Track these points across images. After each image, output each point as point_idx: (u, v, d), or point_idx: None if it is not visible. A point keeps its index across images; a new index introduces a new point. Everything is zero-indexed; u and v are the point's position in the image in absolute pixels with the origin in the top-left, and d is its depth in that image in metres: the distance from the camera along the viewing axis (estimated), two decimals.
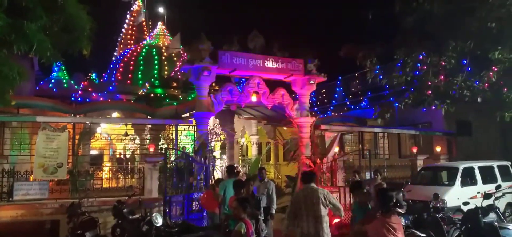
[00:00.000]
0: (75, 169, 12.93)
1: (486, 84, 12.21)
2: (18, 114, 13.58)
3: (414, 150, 17.57)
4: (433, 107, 13.59)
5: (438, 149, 18.01)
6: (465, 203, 9.76)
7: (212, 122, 14.62)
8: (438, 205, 9.51)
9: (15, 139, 13.84)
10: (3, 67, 5.01)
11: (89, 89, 20.68)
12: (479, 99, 12.51)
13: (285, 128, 17.87)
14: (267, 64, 13.57)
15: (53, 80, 21.30)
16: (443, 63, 12.64)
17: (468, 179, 12.42)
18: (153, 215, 7.72)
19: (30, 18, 4.68)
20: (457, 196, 11.54)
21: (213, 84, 14.61)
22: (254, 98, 13.47)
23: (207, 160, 12.12)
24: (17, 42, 4.72)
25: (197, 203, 11.06)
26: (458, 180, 12.11)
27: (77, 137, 14.08)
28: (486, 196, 9.84)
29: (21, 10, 4.66)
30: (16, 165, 12.75)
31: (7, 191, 11.51)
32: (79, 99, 18.28)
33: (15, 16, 4.55)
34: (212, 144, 13.33)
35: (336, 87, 25.61)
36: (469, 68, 12.65)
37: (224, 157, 19.43)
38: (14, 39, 4.68)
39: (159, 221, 7.58)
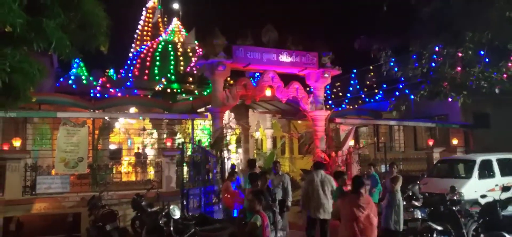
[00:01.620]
0: (95, 163, 13.25)
1: (505, 75, 11.97)
2: (39, 111, 13.97)
3: (430, 143, 17.37)
4: (450, 99, 13.39)
5: (455, 141, 17.75)
6: (483, 196, 9.63)
7: (227, 116, 14.76)
8: (455, 197, 9.44)
9: (37, 134, 14.25)
10: (24, 64, 5.17)
11: (107, 85, 21.06)
12: (497, 91, 12.27)
13: (299, 122, 17.91)
14: (281, 58, 13.61)
15: (72, 77, 21.78)
16: (460, 54, 12.43)
17: (486, 171, 12.23)
18: (171, 207, 7.88)
19: (48, 15, 4.81)
20: (474, 188, 11.39)
21: (228, 78, 14.73)
22: (268, 92, 13.55)
23: (222, 154, 12.27)
24: (36, 40, 4.88)
25: (213, 195, 11.24)
26: (476, 172, 11.95)
27: (97, 132, 14.42)
28: (505, 188, 9.71)
29: (39, 8, 4.80)
30: (38, 159, 13.16)
31: (30, 185, 11.91)
32: (98, 95, 18.66)
33: (34, 14, 4.69)
34: (228, 137, 13.47)
35: (350, 80, 25.40)
36: (487, 59, 12.41)
37: (240, 150, 19.59)
38: (34, 37, 4.83)
39: (176, 213, 7.74)
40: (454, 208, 9.00)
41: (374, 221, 5.96)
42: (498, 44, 11.92)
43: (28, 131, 13.97)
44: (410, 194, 10.78)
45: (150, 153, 18.53)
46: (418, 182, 11.32)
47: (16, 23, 4.32)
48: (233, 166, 11.98)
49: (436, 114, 19.28)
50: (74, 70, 22.22)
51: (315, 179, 8.23)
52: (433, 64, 13.34)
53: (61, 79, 21.39)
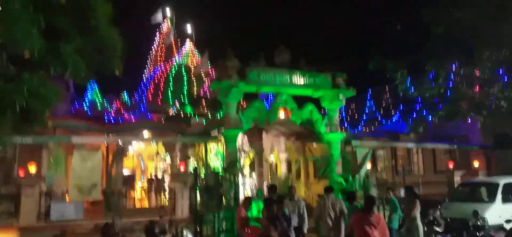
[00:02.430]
0: (108, 189, 13.19)
1: None
2: (54, 135, 14.06)
3: (451, 165, 16.91)
4: (469, 119, 13.06)
5: (476, 163, 17.26)
6: (508, 221, 9.23)
7: (241, 140, 14.61)
8: (478, 223, 9.06)
9: (52, 160, 14.30)
10: (41, 89, 5.21)
11: (121, 109, 21.23)
12: None
13: (315, 145, 17.63)
14: (294, 79, 13.50)
15: (87, 102, 22.04)
16: (477, 73, 12.19)
17: (510, 195, 11.74)
18: (184, 233, 7.71)
19: (65, 40, 4.86)
20: (498, 213, 10.91)
21: (241, 101, 14.66)
22: (282, 114, 13.40)
23: (236, 178, 12.08)
24: (53, 64, 4.92)
25: (227, 221, 10.99)
26: (499, 196, 11.47)
27: (110, 157, 14.42)
28: None
29: (57, 32, 4.85)
30: (53, 185, 13.16)
31: (45, 211, 11.87)
32: (112, 119, 18.79)
33: (51, 38, 4.74)
34: (241, 161, 13.30)
35: (366, 101, 25.14)
36: (505, 78, 12.12)
37: (253, 174, 19.35)
38: (50, 61, 4.87)
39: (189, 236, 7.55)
40: (478, 234, 8.63)
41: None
42: None
43: (43, 157, 14.03)
44: (431, 219, 10.40)
45: (163, 178, 18.44)
46: (439, 207, 10.93)
47: (34, 48, 4.34)
48: (259, 192, 11.70)
49: (455, 135, 18.83)
50: (89, 95, 22.51)
51: (326, 203, 8.51)
52: (450, 84, 13.09)
53: (76, 103, 21.66)
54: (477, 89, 12.60)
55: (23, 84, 4.80)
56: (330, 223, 8.51)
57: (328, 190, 9.08)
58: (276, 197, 8.52)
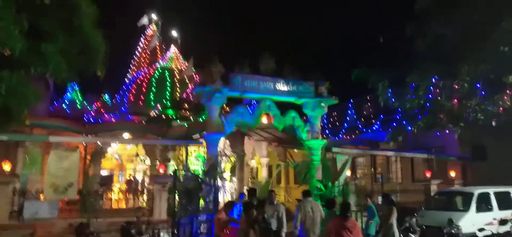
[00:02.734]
0: (85, 189, 12.97)
1: (501, 109, 12.02)
2: (32, 134, 13.75)
3: (428, 175, 17.25)
4: (447, 131, 13.39)
5: (452, 173, 17.64)
6: (481, 230, 9.49)
7: (223, 143, 14.60)
8: (453, 231, 9.28)
9: (28, 158, 13.98)
10: (20, 88, 5.12)
11: (102, 110, 20.91)
12: (493, 123, 12.30)
13: (296, 150, 17.75)
14: (278, 86, 13.58)
15: (66, 101, 21.62)
16: (456, 86, 12.52)
17: (484, 204, 12.07)
18: (161, 234, 7.64)
19: (48, 40, 4.80)
20: (472, 222, 11.20)
21: (224, 105, 14.65)
22: (264, 120, 13.45)
23: (216, 182, 12.03)
24: (34, 64, 4.86)
25: (205, 225, 10.94)
26: (473, 205, 11.77)
27: (88, 157, 14.18)
28: (502, 222, 9.56)
29: (40, 33, 4.80)
30: (27, 184, 12.86)
31: (18, 210, 11.58)
32: (92, 120, 18.48)
33: (33, 38, 4.68)
34: (222, 165, 13.26)
35: (347, 110, 25.47)
36: (483, 92, 12.49)
37: (234, 179, 19.32)
38: (32, 61, 4.80)
39: None
40: None
41: None
42: (493, 78, 12.03)
43: (18, 155, 13.69)
44: (407, 226, 10.59)
45: (143, 179, 18.22)
46: (415, 214, 11.14)
47: (16, 47, 4.28)
48: (241, 195, 11.67)
49: (433, 146, 19.22)
50: (68, 94, 22.09)
51: (306, 206, 8.75)
52: (430, 96, 13.40)
53: (55, 103, 21.22)
54: (456, 102, 12.91)
55: (2, 83, 4.71)
56: (311, 225, 8.65)
57: (306, 193, 9.19)
58: (256, 201, 8.57)
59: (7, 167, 12.74)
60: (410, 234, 10.42)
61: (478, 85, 12.44)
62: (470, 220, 11.30)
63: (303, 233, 8.82)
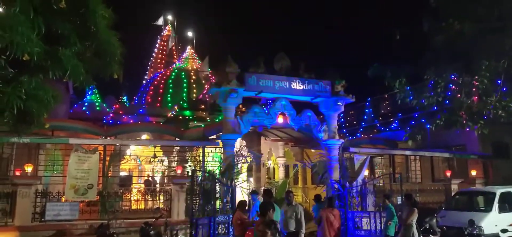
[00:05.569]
0: (105, 190, 13.18)
1: None
2: (52, 137, 14.05)
3: (448, 174, 16.91)
4: (467, 129, 13.09)
5: (473, 172, 17.26)
6: (504, 231, 9.27)
7: (239, 144, 14.61)
8: (474, 232, 9.08)
9: (49, 160, 14.30)
10: (39, 92, 5.22)
11: (120, 112, 21.23)
12: None
13: (313, 150, 17.63)
14: (293, 85, 13.52)
15: (86, 104, 22.04)
16: (476, 83, 12.23)
17: (507, 204, 11.76)
18: (179, 235, 7.70)
19: (65, 44, 4.90)
20: (494, 222, 10.94)
21: (240, 106, 14.67)
22: (280, 120, 13.41)
23: (233, 182, 12.06)
24: (52, 68, 4.95)
25: (223, 226, 10.97)
26: (496, 205, 11.49)
27: (108, 158, 14.41)
28: None
29: (57, 37, 4.88)
30: (49, 185, 13.14)
31: (40, 212, 11.85)
32: (110, 121, 18.77)
33: (51, 43, 4.77)
34: (239, 166, 13.29)
35: (365, 109, 25.16)
36: (504, 88, 12.17)
37: (251, 179, 19.33)
38: (50, 65, 4.90)
39: None
40: None
41: (337, 224, 9.46)
42: None
43: (40, 157, 14.01)
44: (427, 227, 10.42)
45: (161, 180, 18.42)
46: (435, 215, 10.95)
47: (34, 52, 4.37)
48: (253, 196, 11.30)
49: (453, 144, 18.83)
50: (88, 96, 22.54)
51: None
52: (449, 93, 13.13)
53: (75, 105, 21.67)
54: (476, 98, 12.61)
55: (21, 87, 4.82)
56: None
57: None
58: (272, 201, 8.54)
59: (29, 169, 13.05)
60: (430, 235, 10.24)
61: (499, 81, 12.12)
62: (492, 220, 11.04)
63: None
